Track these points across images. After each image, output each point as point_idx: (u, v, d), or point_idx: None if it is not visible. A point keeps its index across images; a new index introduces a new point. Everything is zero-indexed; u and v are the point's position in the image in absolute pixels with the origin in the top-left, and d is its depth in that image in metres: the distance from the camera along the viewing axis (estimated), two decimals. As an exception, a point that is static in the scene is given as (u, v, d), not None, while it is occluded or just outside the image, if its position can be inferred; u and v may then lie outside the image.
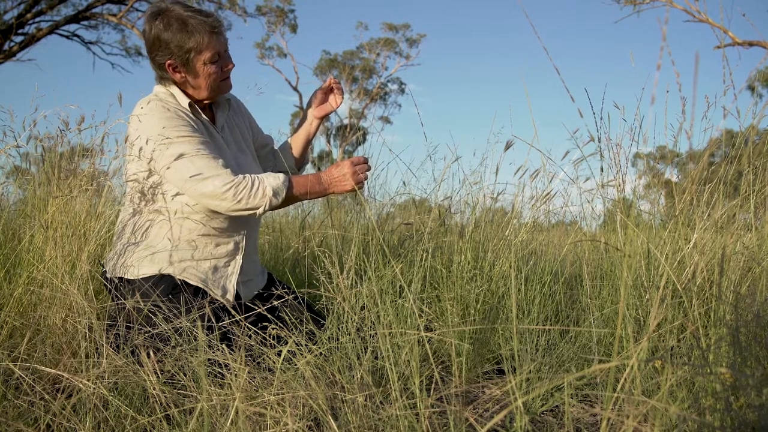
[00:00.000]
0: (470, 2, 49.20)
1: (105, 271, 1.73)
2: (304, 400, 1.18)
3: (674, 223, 1.68)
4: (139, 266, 1.65)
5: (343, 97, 1.96)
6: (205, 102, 1.80)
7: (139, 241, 1.69)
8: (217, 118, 1.84)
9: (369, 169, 1.76)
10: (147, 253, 1.67)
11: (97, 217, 1.79)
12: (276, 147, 2.09)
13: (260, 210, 1.65)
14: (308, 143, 2.04)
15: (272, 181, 1.65)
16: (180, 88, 1.74)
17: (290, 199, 1.70)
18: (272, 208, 1.67)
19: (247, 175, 1.64)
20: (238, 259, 1.77)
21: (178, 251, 1.68)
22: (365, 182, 1.77)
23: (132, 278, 1.65)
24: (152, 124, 1.63)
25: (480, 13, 47.46)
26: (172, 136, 1.61)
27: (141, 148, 1.63)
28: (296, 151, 2.04)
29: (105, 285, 1.72)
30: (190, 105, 1.73)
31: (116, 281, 1.66)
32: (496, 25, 48.04)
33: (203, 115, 1.77)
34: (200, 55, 1.65)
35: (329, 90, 1.97)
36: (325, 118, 2.01)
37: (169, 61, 1.67)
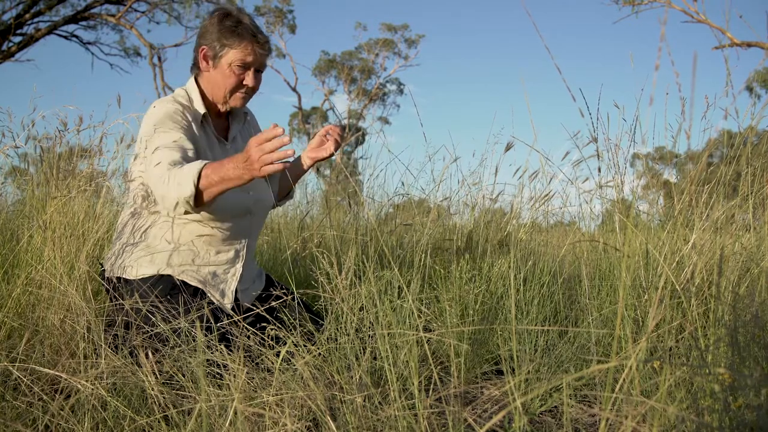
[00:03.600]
0: (469, 3, 49.25)
1: (104, 270, 1.72)
2: (303, 400, 1.18)
3: (673, 224, 1.68)
4: (138, 266, 1.65)
5: (335, 149, 1.77)
6: (221, 110, 1.78)
7: (139, 242, 1.68)
8: (231, 128, 1.84)
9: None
10: (146, 253, 1.66)
11: (95, 218, 1.78)
12: None
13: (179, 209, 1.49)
14: (296, 178, 1.96)
15: (176, 192, 1.45)
16: (201, 94, 1.74)
17: (208, 193, 1.46)
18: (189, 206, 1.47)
19: (161, 183, 1.48)
20: (238, 266, 1.77)
21: (178, 254, 1.67)
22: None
23: (130, 278, 1.64)
24: (147, 124, 1.64)
25: (479, 13, 47.49)
26: (155, 137, 1.59)
27: (146, 148, 1.63)
28: (282, 181, 1.99)
29: (103, 285, 1.72)
30: (204, 116, 1.72)
31: (114, 281, 1.65)
32: (495, 25, 48.07)
33: (212, 127, 1.76)
34: (230, 51, 1.67)
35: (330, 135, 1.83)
36: (317, 160, 1.87)
37: (204, 46, 1.71)
